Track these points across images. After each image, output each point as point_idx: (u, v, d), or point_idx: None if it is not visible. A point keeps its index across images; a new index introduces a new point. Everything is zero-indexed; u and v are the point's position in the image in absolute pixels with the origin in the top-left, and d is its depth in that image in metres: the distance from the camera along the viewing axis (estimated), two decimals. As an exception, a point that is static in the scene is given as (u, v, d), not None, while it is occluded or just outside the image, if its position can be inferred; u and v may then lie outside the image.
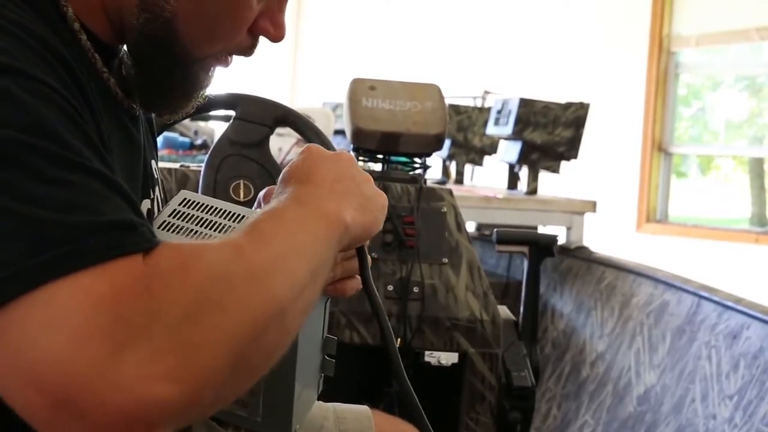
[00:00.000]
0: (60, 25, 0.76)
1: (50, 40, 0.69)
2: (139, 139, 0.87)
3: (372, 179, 0.86)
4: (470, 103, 4.48)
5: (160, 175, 1.02)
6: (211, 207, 0.89)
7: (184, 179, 1.83)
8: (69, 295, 0.57)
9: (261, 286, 0.63)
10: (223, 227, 0.87)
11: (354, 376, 1.97)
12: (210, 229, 0.87)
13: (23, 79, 0.64)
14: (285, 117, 1.61)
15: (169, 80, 0.82)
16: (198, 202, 0.89)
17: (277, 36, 0.85)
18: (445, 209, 1.95)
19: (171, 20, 0.78)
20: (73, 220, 0.60)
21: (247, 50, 0.86)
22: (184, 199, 0.89)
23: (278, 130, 1.69)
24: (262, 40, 0.87)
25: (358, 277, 0.90)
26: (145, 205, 0.88)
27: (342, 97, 2.04)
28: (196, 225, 0.87)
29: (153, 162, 0.96)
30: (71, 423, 0.56)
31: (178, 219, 0.87)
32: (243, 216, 0.88)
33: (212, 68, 0.85)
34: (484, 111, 3.99)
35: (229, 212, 0.88)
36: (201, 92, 0.86)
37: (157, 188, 0.95)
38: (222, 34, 0.81)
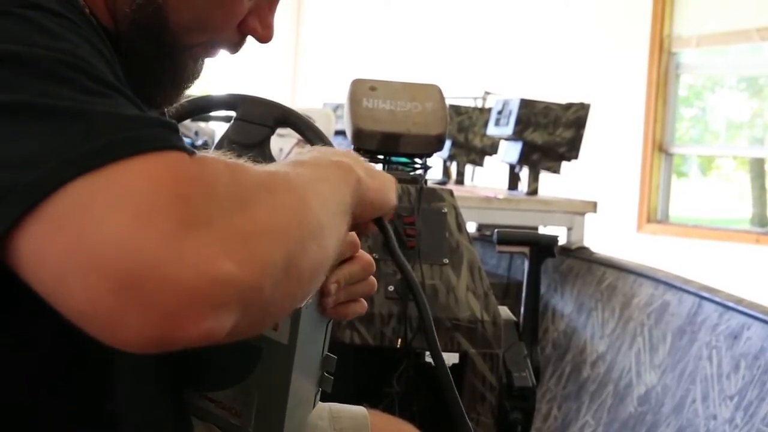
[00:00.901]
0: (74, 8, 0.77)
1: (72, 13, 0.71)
2: None
3: None
4: (471, 103, 4.49)
5: None
6: None
7: (184, 180, 1.84)
8: (128, 178, 0.57)
9: (300, 199, 0.66)
10: None
11: (354, 376, 1.97)
12: None
13: (52, 15, 0.66)
14: (286, 118, 1.61)
15: (159, 69, 0.83)
16: None
17: (264, 36, 0.87)
18: (445, 210, 1.95)
19: (161, 7, 0.79)
20: (124, 112, 0.61)
21: (235, 46, 0.88)
22: None
23: (279, 130, 1.69)
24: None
25: (362, 300, 0.90)
26: None
27: (342, 97, 2.05)
28: None
29: None
30: (136, 308, 0.54)
31: None
32: None
33: (200, 59, 0.86)
34: (484, 111, 3.99)
35: None
36: (189, 83, 0.86)
37: None
38: (212, 24, 0.83)
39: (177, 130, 0.64)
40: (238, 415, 0.90)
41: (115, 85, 0.65)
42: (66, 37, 0.65)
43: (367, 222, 0.87)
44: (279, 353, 0.85)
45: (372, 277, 0.89)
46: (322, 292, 0.85)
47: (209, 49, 0.86)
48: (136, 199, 0.56)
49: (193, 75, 0.86)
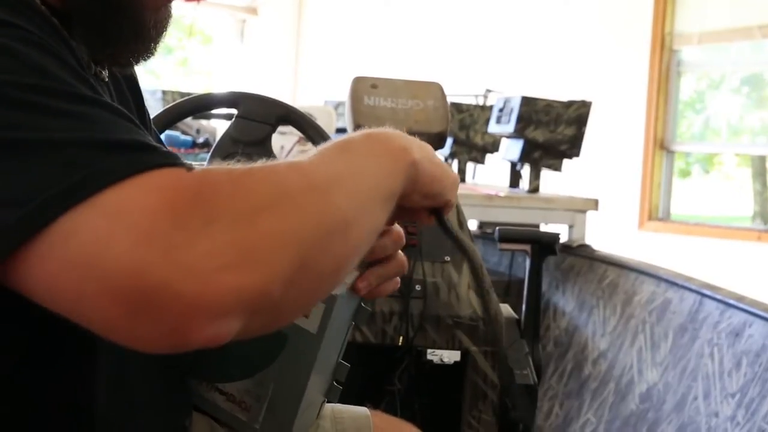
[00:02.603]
0: None
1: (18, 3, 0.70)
2: None
3: None
4: (472, 101, 4.49)
5: None
6: None
7: (186, 178, 1.84)
8: (119, 203, 0.59)
9: (320, 196, 0.65)
10: None
11: (355, 375, 1.97)
12: None
13: (9, 29, 0.65)
14: (287, 115, 1.61)
15: (116, 28, 0.80)
16: None
17: None
18: (447, 207, 1.95)
19: None
20: (103, 135, 0.61)
21: None
22: None
23: (280, 128, 1.69)
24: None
25: (397, 279, 0.90)
26: None
27: (344, 95, 2.04)
28: None
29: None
30: (147, 323, 0.58)
31: None
32: None
33: (160, 6, 0.83)
34: (486, 109, 3.99)
35: None
36: (152, 32, 0.83)
37: None
38: None
39: (155, 148, 0.63)
40: (247, 410, 0.89)
41: (86, 96, 0.64)
42: (20, 51, 0.64)
43: (421, 211, 0.86)
44: (305, 342, 0.84)
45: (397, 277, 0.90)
46: (352, 288, 0.86)
47: None
48: (131, 221, 0.58)
49: (158, 24, 0.83)
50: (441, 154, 3.97)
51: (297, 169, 0.67)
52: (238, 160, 0.67)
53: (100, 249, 0.57)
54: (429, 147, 0.83)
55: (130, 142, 0.62)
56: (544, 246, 2.03)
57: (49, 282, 0.59)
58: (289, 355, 0.86)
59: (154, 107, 1.07)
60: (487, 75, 5.85)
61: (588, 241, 3.27)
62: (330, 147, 0.73)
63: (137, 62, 0.86)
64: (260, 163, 0.66)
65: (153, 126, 1.08)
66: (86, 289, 0.58)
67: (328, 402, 0.97)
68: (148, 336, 0.59)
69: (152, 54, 0.85)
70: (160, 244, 0.57)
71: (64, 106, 0.62)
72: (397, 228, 0.88)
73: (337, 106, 4.45)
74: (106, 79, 0.87)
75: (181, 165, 0.63)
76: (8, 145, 0.60)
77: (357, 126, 1.95)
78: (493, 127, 3.59)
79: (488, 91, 4.79)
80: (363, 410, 1.13)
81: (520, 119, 3.32)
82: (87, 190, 0.58)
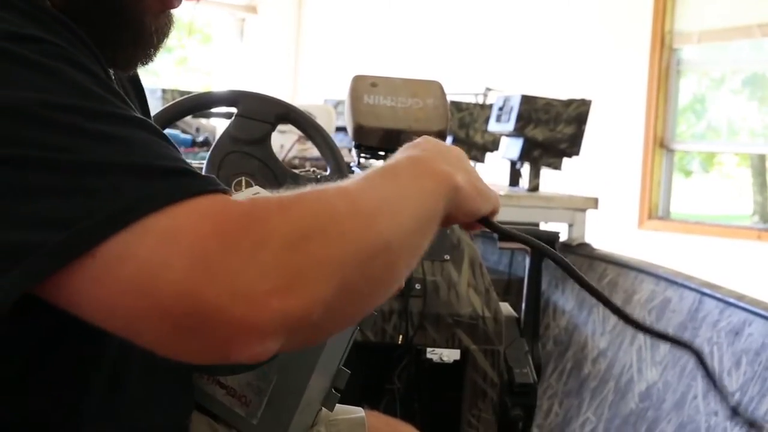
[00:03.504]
0: None
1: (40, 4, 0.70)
2: None
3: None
4: (472, 99, 4.48)
5: None
6: None
7: (185, 176, 1.83)
8: (174, 228, 0.61)
9: (365, 222, 0.67)
10: None
11: (355, 374, 1.97)
12: None
13: (42, 45, 0.65)
14: (287, 114, 1.61)
15: (122, 38, 0.81)
16: None
17: None
18: (446, 206, 1.95)
19: None
20: (149, 162, 0.63)
21: None
22: (257, 192, 0.92)
23: (280, 127, 1.69)
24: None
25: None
26: None
27: (343, 94, 2.04)
28: None
29: None
30: (194, 341, 0.61)
31: None
32: None
33: (158, 12, 0.82)
34: (485, 108, 3.99)
35: None
36: (153, 37, 0.83)
37: None
38: None
39: (196, 173, 0.65)
40: (246, 405, 0.89)
41: (124, 116, 0.66)
42: (56, 69, 0.65)
43: (472, 222, 0.89)
44: None
45: None
46: None
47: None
48: (185, 246, 0.60)
49: (158, 31, 0.83)
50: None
51: (344, 194, 0.69)
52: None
53: (155, 272, 0.59)
54: (472, 168, 0.86)
55: (173, 168, 0.64)
56: (543, 245, 2.03)
57: (103, 302, 0.61)
58: None
59: (153, 106, 1.06)
60: (487, 73, 5.84)
61: (588, 240, 3.27)
62: (376, 171, 0.75)
63: (135, 67, 0.86)
64: (309, 187, 0.68)
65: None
66: (140, 310, 0.60)
67: (325, 410, 0.97)
68: (195, 352, 0.62)
69: (152, 59, 0.85)
70: (212, 269, 0.60)
71: (105, 129, 0.63)
72: None
73: (337, 104, 4.45)
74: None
75: (224, 190, 0.66)
76: (53, 167, 0.61)
77: (357, 125, 1.95)
78: (492, 126, 3.59)
79: (488, 89, 4.79)
80: (359, 412, 1.12)
81: (519, 118, 3.32)
82: (136, 214, 0.60)
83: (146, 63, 0.86)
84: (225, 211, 0.62)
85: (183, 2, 0.84)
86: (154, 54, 0.85)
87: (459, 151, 0.87)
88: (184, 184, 0.63)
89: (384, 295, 0.72)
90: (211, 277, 0.59)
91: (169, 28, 0.85)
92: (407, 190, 0.74)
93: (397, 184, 0.74)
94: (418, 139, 0.85)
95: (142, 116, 0.68)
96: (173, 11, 0.84)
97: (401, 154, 0.81)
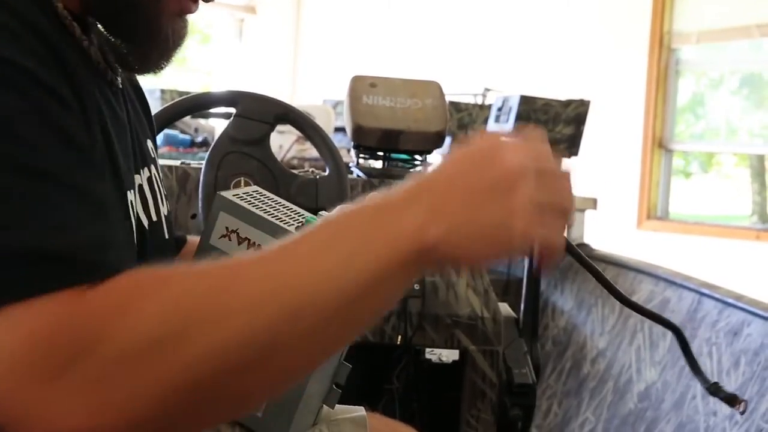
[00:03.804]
0: None
1: (24, 9, 0.68)
2: (122, 115, 0.86)
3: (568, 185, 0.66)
4: (471, 100, 4.48)
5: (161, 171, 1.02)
6: (280, 203, 0.92)
7: (184, 177, 1.83)
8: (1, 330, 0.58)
9: (219, 330, 0.58)
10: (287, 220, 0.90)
11: (354, 374, 1.97)
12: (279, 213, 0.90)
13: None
14: (285, 114, 1.61)
15: (136, 36, 0.80)
16: (269, 196, 0.92)
17: None
18: (445, 206, 1.95)
19: None
20: (11, 242, 0.59)
21: None
22: (257, 190, 0.93)
23: (279, 127, 1.69)
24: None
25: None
26: (137, 180, 0.87)
27: (343, 94, 2.04)
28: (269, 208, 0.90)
29: (149, 141, 0.95)
30: None
31: (253, 199, 0.90)
32: (301, 219, 0.90)
33: (175, 16, 0.82)
34: (484, 108, 3.99)
35: (294, 210, 0.90)
36: (170, 42, 0.82)
37: (153, 167, 0.94)
38: None
39: (69, 259, 0.60)
40: None
41: (43, 171, 0.61)
42: None
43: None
44: None
45: None
46: None
47: (184, 4, 0.82)
48: (4, 355, 0.58)
49: (174, 34, 0.82)
50: (440, 153, 3.96)
51: (215, 291, 0.59)
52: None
53: None
54: (454, 199, 0.62)
55: (33, 249, 0.59)
56: (542, 245, 2.03)
57: None
58: None
59: (152, 106, 1.07)
60: (486, 74, 5.84)
61: (586, 240, 3.27)
62: (316, 233, 0.61)
63: (151, 68, 0.85)
64: (202, 264, 0.59)
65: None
66: None
67: (326, 406, 0.96)
68: None
69: (167, 62, 0.84)
70: (24, 381, 0.57)
71: (13, 183, 0.60)
72: None
73: (336, 105, 4.44)
74: (120, 86, 0.87)
75: (85, 280, 0.60)
76: None
77: (356, 125, 1.95)
78: (491, 126, 3.59)
79: (487, 89, 4.78)
80: (360, 412, 1.12)
81: (518, 118, 3.32)
82: None
83: (162, 66, 0.84)
84: (50, 320, 0.58)
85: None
86: (170, 57, 0.84)
87: (518, 155, 0.63)
88: (26, 279, 0.58)
89: (256, 403, 0.65)
90: (19, 384, 0.57)
91: (185, 34, 0.83)
92: (330, 271, 0.59)
93: (315, 256, 0.60)
94: (462, 148, 0.64)
95: (72, 161, 0.64)
96: (188, 20, 0.84)
97: (366, 204, 0.63)
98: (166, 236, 0.95)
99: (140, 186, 0.88)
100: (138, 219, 0.84)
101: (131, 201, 0.81)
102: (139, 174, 0.89)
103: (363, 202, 0.63)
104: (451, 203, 0.61)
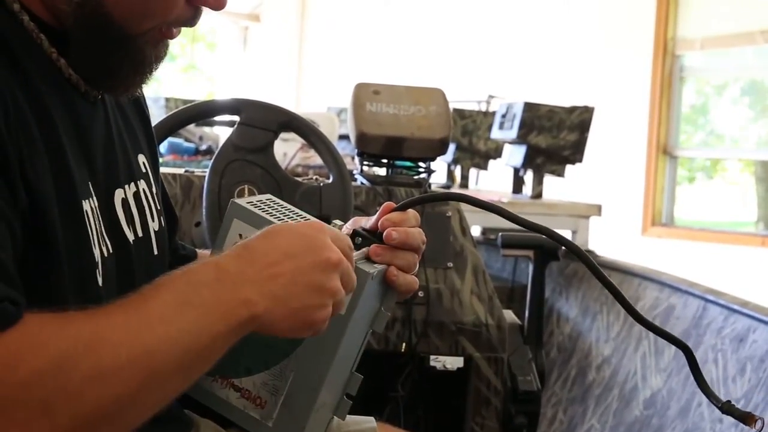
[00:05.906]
0: None
1: None
2: (96, 126, 0.85)
3: (343, 258, 0.79)
4: (475, 107, 4.49)
5: (161, 179, 1.02)
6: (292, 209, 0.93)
7: (188, 185, 1.84)
8: None
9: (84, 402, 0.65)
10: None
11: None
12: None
13: None
14: (289, 122, 1.61)
15: (113, 60, 0.81)
16: (282, 203, 0.93)
17: (216, 5, 0.83)
18: (449, 213, 1.95)
19: (101, 3, 0.77)
20: None
21: (190, 21, 0.84)
22: (269, 197, 0.94)
23: (283, 135, 1.69)
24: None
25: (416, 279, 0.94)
26: (119, 194, 0.87)
27: (346, 101, 2.04)
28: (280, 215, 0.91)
29: (141, 156, 0.95)
30: None
31: (266, 206, 0.91)
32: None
33: (158, 42, 0.83)
34: (488, 115, 3.99)
35: (306, 218, 0.91)
36: (152, 66, 0.84)
37: (142, 182, 0.93)
38: (158, 8, 0.80)
39: None
40: (261, 406, 0.89)
41: None
42: None
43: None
44: (332, 324, 0.84)
45: None
46: (384, 275, 0.91)
47: (165, 31, 0.83)
48: None
49: (155, 59, 0.83)
50: (443, 160, 3.97)
51: (82, 356, 0.66)
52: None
53: None
54: (311, 263, 0.77)
55: None
56: (546, 252, 2.03)
57: None
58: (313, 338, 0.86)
59: (156, 114, 1.07)
60: (490, 81, 5.85)
61: (591, 247, 3.27)
62: (154, 288, 0.72)
63: (130, 93, 0.87)
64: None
65: (155, 135, 1.07)
66: None
67: (337, 417, 0.96)
68: None
69: (145, 83, 0.86)
70: None
71: None
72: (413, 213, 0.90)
73: (340, 112, 4.45)
74: (99, 97, 0.87)
75: None
76: None
77: (360, 132, 1.95)
78: (495, 133, 3.59)
79: (491, 97, 4.79)
80: (370, 421, 1.11)
81: (522, 125, 3.32)
82: None
83: (140, 89, 0.87)
84: None
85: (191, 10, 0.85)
86: (148, 80, 0.85)
87: (307, 238, 0.78)
88: None
89: None
90: None
91: (165, 54, 0.85)
92: (151, 333, 0.69)
93: (172, 326, 0.70)
94: (264, 239, 0.78)
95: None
96: (169, 43, 0.85)
97: (227, 254, 0.77)
98: (155, 252, 0.94)
99: (124, 200, 0.88)
100: (114, 233, 0.85)
101: (87, 210, 0.79)
102: (123, 189, 0.88)
103: (208, 264, 0.75)
104: (278, 283, 0.75)
